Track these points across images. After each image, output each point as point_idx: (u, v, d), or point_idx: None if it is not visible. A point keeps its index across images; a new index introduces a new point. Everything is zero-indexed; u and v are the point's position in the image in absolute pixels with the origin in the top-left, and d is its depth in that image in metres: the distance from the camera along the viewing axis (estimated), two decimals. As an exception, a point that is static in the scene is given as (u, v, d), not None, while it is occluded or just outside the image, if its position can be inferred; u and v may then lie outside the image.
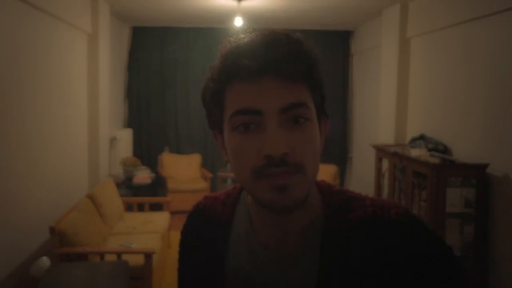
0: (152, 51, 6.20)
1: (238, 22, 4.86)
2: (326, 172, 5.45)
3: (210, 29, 6.18)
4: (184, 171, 6.02)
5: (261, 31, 0.60)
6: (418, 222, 0.63)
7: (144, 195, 5.11)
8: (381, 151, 4.25)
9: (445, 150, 3.65)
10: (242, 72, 0.57)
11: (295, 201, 0.57)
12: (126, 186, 5.11)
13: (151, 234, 3.75)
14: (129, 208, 4.54)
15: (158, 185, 5.71)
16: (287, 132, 0.57)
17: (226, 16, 5.23)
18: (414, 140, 3.95)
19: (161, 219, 4.18)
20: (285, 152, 0.55)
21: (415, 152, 3.58)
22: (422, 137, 3.89)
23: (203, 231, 0.74)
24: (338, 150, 6.40)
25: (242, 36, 0.61)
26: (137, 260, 3.04)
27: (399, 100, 4.55)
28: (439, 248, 0.62)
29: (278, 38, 0.58)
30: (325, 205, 0.65)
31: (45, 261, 2.79)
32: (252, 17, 5.34)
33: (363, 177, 5.69)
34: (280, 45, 0.57)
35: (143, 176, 5.26)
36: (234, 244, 0.69)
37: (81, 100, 4.32)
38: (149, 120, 6.27)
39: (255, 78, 0.56)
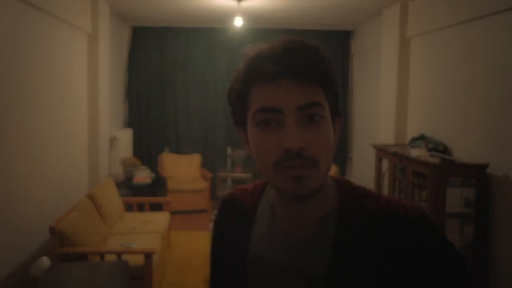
0: (152, 51, 6.20)
1: (238, 22, 4.86)
2: (326, 172, 5.45)
3: (210, 29, 6.18)
4: (184, 171, 6.02)
5: (280, 38, 0.67)
6: (432, 225, 0.67)
7: (144, 195, 5.11)
8: (381, 151, 4.25)
9: (445, 150, 3.65)
10: (264, 75, 0.65)
11: (310, 191, 0.64)
12: (126, 186, 5.11)
13: (151, 234, 3.75)
14: (129, 208, 4.54)
15: (158, 185, 5.71)
16: (303, 128, 0.63)
17: (226, 16, 5.23)
18: (414, 140, 3.95)
19: (161, 219, 4.18)
20: (301, 146, 0.62)
21: (415, 152, 3.58)
22: (422, 137, 3.89)
23: (232, 218, 0.83)
24: (338, 150, 6.37)
25: (264, 43, 0.69)
26: (137, 260, 3.04)
27: (399, 100, 4.55)
28: (446, 252, 0.66)
29: (296, 45, 0.65)
30: (341, 199, 0.71)
31: (45, 261, 2.78)
32: (252, 17, 5.34)
33: (363, 177, 5.69)
34: (297, 51, 0.65)
35: (143, 176, 5.26)
36: (257, 230, 0.77)
37: (81, 100, 4.32)
38: (149, 120, 6.27)
39: (275, 80, 0.64)
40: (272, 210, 0.76)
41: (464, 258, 0.69)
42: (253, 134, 0.68)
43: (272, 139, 0.64)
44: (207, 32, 6.21)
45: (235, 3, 4.53)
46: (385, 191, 4.25)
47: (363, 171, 5.75)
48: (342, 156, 6.42)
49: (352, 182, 0.75)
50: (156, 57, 6.22)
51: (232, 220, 0.83)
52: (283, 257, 0.72)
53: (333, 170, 5.54)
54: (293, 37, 0.67)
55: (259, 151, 0.67)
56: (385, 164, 4.22)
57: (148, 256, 3.03)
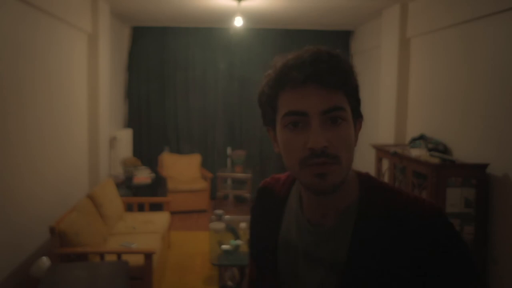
0: (152, 51, 6.20)
1: (238, 22, 4.86)
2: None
3: (210, 29, 6.18)
4: (184, 171, 6.02)
5: (306, 48, 0.74)
6: (446, 223, 0.72)
7: (144, 195, 5.12)
8: (381, 151, 4.25)
9: (445, 150, 3.65)
10: (292, 81, 0.71)
11: (333, 186, 0.71)
12: (126, 186, 5.11)
13: (151, 234, 3.75)
14: (129, 208, 4.54)
15: (158, 185, 5.71)
16: (327, 130, 0.70)
17: (226, 16, 5.23)
18: (414, 140, 3.95)
19: (161, 219, 4.18)
20: (324, 146, 0.69)
21: (415, 152, 3.58)
22: (422, 137, 3.88)
23: (266, 204, 0.92)
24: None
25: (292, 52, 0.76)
26: (137, 260, 3.04)
27: (399, 100, 4.55)
28: (457, 249, 0.71)
29: (321, 54, 0.72)
30: (361, 193, 0.78)
31: (45, 261, 2.78)
32: (252, 17, 5.34)
33: (363, 177, 5.68)
34: (322, 60, 0.71)
35: (143, 176, 5.26)
36: (287, 217, 0.86)
37: (81, 100, 4.32)
38: (149, 120, 6.27)
39: (302, 86, 0.71)
40: (300, 199, 0.84)
41: (474, 260, 0.72)
42: (282, 134, 0.75)
43: (298, 139, 0.71)
44: (207, 32, 6.21)
45: (235, 3, 4.53)
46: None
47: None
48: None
49: (374, 177, 0.81)
50: (156, 57, 6.22)
51: (266, 206, 0.91)
52: (307, 243, 0.80)
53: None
54: (318, 47, 0.74)
55: (287, 150, 0.74)
56: (385, 164, 4.22)
57: (148, 256, 3.03)
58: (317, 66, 0.70)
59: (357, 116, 0.77)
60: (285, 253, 0.84)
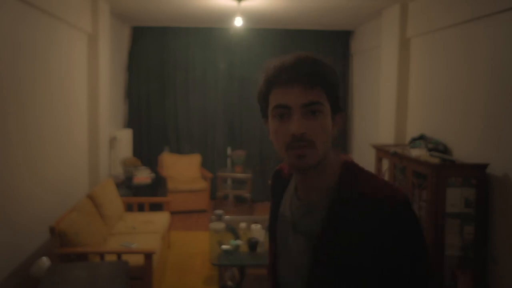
0: (152, 51, 6.20)
1: (238, 22, 4.86)
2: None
3: (210, 29, 6.18)
4: (184, 171, 6.02)
5: (294, 53, 0.90)
6: (411, 217, 0.84)
7: (144, 195, 5.12)
8: (381, 151, 4.25)
9: (445, 150, 3.65)
10: (279, 81, 0.88)
11: (309, 166, 0.87)
12: (126, 186, 5.11)
13: (151, 234, 3.75)
14: (129, 208, 4.54)
15: (158, 185, 5.71)
16: (306, 120, 0.86)
17: (226, 16, 5.23)
18: (414, 140, 3.95)
19: (161, 219, 4.18)
20: (303, 132, 0.85)
21: (415, 152, 3.58)
22: (422, 137, 3.88)
23: (276, 185, 1.11)
24: (338, 150, 6.39)
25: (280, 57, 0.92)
26: (137, 260, 3.04)
27: (399, 100, 4.55)
28: (411, 232, 0.83)
29: (303, 58, 0.88)
30: (341, 176, 0.91)
31: (45, 261, 2.78)
32: (252, 17, 5.34)
33: (363, 177, 5.68)
34: (304, 63, 0.87)
35: (143, 176, 5.26)
36: (286, 195, 1.03)
37: (81, 100, 4.32)
38: (149, 120, 6.27)
39: (286, 85, 0.87)
40: (296, 180, 1.00)
41: (426, 247, 0.85)
42: (271, 124, 0.91)
43: (284, 128, 0.87)
44: (207, 32, 6.21)
45: (235, 3, 4.53)
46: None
47: (363, 171, 5.74)
48: (342, 156, 6.41)
49: (356, 164, 0.94)
50: (156, 57, 6.22)
51: (276, 186, 1.10)
52: (294, 216, 0.96)
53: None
54: (303, 52, 0.90)
55: (275, 136, 0.90)
56: (385, 164, 4.22)
57: (148, 256, 3.03)
58: (299, 68, 0.86)
59: (337, 111, 0.91)
60: (281, 225, 1.02)
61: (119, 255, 3.02)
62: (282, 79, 0.87)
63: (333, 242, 0.86)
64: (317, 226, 0.89)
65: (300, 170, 0.89)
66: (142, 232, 3.80)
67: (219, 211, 4.00)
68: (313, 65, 0.87)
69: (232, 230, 3.61)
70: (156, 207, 4.86)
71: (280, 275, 1.01)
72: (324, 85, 0.87)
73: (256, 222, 3.76)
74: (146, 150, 6.26)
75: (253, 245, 3.33)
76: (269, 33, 6.19)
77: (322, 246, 0.87)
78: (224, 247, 3.33)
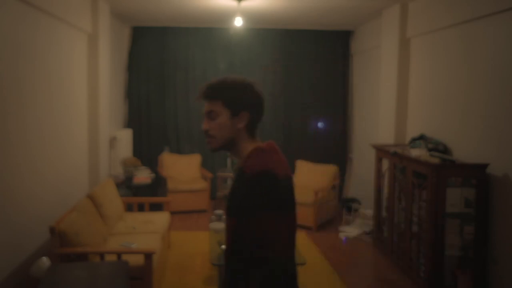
0: (152, 51, 6.20)
1: (238, 22, 4.86)
2: (326, 172, 5.43)
3: (210, 29, 6.18)
4: (184, 171, 6.02)
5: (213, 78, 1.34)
6: (254, 179, 1.18)
7: (144, 195, 5.12)
8: (381, 151, 4.25)
9: (445, 150, 3.65)
10: (201, 96, 1.32)
11: (212, 149, 1.32)
12: (126, 186, 5.11)
13: (151, 234, 3.75)
14: (129, 208, 4.53)
15: (158, 185, 5.71)
16: (209, 121, 1.29)
17: (226, 16, 5.23)
18: (414, 140, 3.95)
19: (161, 219, 4.18)
20: (206, 129, 1.30)
21: (415, 152, 3.58)
22: (422, 137, 3.89)
23: None
24: (338, 150, 6.39)
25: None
26: (137, 260, 3.04)
27: (399, 100, 4.55)
28: (251, 180, 1.20)
29: (215, 81, 1.31)
30: (247, 157, 1.27)
31: (45, 261, 2.78)
32: (252, 17, 5.34)
33: (363, 177, 5.69)
34: (211, 84, 1.30)
35: (143, 176, 5.26)
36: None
37: (81, 100, 4.32)
38: (149, 120, 6.27)
39: (202, 98, 1.31)
40: None
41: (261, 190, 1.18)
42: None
43: (203, 125, 1.32)
44: (207, 32, 6.21)
45: (235, 3, 4.53)
46: (385, 191, 4.25)
47: (363, 171, 5.75)
48: (342, 156, 6.42)
49: (260, 149, 1.26)
50: (156, 57, 6.22)
51: None
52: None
53: (333, 170, 5.53)
54: (226, 75, 1.32)
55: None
56: (385, 164, 4.22)
57: (148, 256, 3.03)
58: (206, 87, 1.29)
59: (239, 112, 1.27)
60: None
61: (119, 255, 3.02)
62: (200, 94, 1.31)
63: (229, 196, 1.26)
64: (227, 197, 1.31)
65: (211, 151, 1.33)
66: (142, 232, 3.80)
67: (219, 211, 4.00)
68: (216, 84, 1.29)
69: (232, 230, 3.61)
70: (156, 207, 4.86)
71: None
72: (221, 97, 1.27)
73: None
74: (146, 150, 6.26)
75: (253, 245, 3.33)
76: (269, 33, 6.19)
77: (227, 210, 1.25)
78: (224, 247, 3.32)
